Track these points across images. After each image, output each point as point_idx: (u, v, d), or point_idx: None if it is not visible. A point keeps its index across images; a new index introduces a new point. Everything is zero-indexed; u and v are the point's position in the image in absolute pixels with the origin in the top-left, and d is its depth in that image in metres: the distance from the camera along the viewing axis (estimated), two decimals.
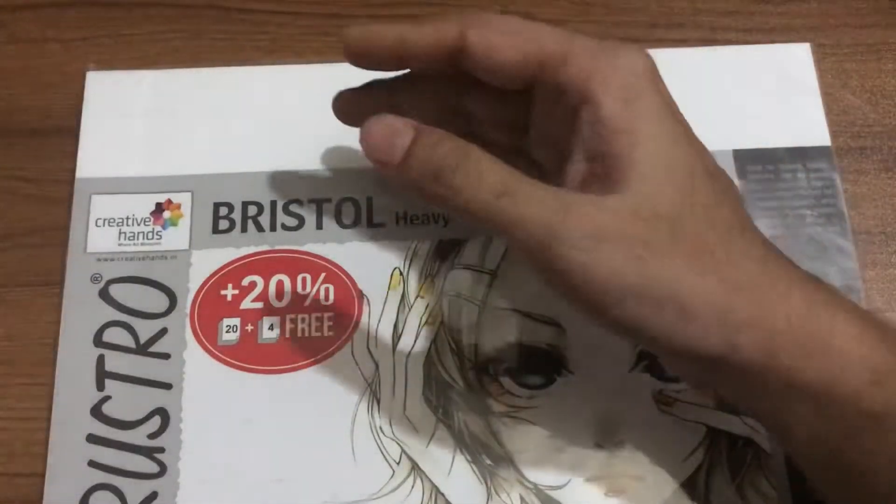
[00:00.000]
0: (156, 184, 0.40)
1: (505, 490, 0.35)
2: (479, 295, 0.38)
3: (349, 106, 0.36)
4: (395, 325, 0.37)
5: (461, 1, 0.44)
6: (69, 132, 0.41)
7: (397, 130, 0.30)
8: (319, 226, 0.39)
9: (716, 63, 0.42)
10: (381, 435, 0.36)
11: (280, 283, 0.38)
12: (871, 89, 0.43)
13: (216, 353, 0.37)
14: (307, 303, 0.38)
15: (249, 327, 0.37)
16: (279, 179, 0.40)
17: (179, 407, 0.36)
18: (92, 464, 0.35)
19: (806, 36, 0.43)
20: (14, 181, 0.40)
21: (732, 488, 0.35)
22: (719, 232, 0.29)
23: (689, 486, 0.35)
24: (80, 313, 0.37)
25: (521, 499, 0.35)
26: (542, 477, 0.35)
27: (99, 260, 0.38)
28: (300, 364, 0.37)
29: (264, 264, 0.38)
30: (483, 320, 0.38)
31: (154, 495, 0.35)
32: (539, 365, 0.37)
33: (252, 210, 0.39)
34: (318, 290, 0.38)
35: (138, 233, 0.39)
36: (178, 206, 0.39)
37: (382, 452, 0.35)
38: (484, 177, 0.29)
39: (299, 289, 0.38)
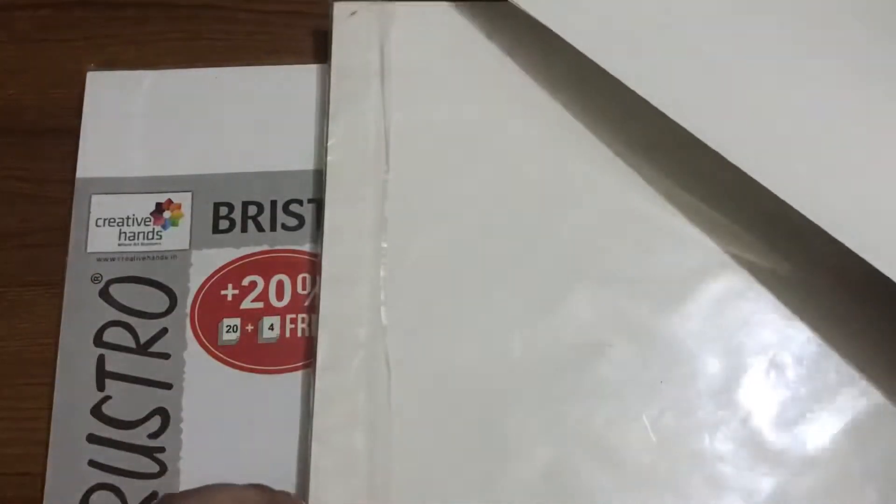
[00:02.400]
0: (156, 184, 0.40)
1: None
2: None
3: None
4: None
5: None
6: (69, 132, 0.41)
7: None
8: (319, 226, 0.39)
9: None
10: None
11: (280, 283, 0.38)
12: None
13: (216, 353, 0.37)
14: (307, 303, 0.38)
15: (249, 327, 0.37)
16: (279, 179, 0.40)
17: (179, 407, 0.36)
18: (92, 464, 0.35)
19: None
20: (14, 181, 0.40)
21: None
22: None
23: None
24: (80, 313, 0.37)
25: None
26: None
27: (99, 260, 0.38)
28: (300, 364, 0.37)
29: (264, 264, 0.38)
30: None
31: (154, 495, 0.35)
32: None
33: (252, 210, 0.39)
34: (318, 290, 0.38)
35: (138, 233, 0.39)
36: (178, 206, 0.39)
37: None
38: None
39: (299, 289, 0.38)
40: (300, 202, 0.39)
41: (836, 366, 0.36)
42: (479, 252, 0.38)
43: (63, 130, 0.41)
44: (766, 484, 0.34)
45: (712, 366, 0.36)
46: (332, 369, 0.35)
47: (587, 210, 0.38)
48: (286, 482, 0.35)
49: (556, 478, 0.34)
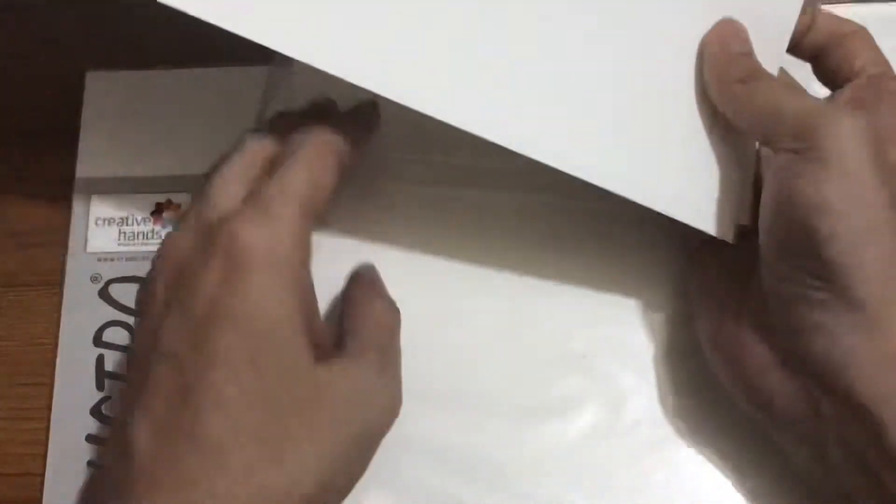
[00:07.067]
0: (156, 184, 0.40)
1: None
2: None
3: None
4: None
5: None
6: (69, 132, 0.41)
7: None
8: None
9: None
10: None
11: None
12: None
13: None
14: None
15: None
16: None
17: None
18: (92, 464, 0.35)
19: None
20: (14, 181, 0.40)
21: None
22: None
23: None
24: (80, 313, 0.37)
25: None
26: None
27: (99, 260, 0.38)
28: None
29: None
30: None
31: None
32: None
33: None
34: None
35: (138, 233, 0.39)
36: (178, 206, 0.39)
37: None
38: None
39: None
40: None
41: None
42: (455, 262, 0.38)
43: (63, 130, 0.41)
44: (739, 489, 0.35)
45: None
46: None
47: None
48: None
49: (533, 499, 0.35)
